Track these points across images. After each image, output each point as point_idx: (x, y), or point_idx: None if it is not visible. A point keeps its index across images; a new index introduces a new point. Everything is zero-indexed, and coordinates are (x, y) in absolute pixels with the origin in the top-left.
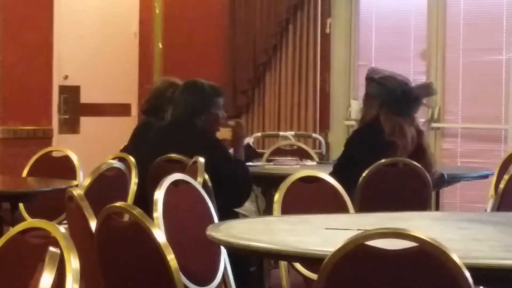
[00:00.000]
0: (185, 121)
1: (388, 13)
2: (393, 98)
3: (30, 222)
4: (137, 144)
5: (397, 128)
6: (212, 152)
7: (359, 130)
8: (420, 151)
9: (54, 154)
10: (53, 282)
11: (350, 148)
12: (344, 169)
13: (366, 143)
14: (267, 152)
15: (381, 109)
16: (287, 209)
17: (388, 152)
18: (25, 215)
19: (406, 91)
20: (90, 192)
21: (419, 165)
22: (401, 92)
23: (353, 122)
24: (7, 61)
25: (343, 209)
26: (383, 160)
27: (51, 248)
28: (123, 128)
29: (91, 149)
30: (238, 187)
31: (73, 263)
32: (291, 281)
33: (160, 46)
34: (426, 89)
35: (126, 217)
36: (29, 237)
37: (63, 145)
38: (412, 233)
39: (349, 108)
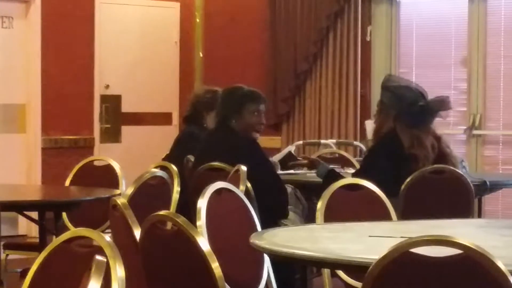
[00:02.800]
0: (221, 126)
1: (428, 20)
2: (409, 111)
3: (75, 230)
4: (179, 153)
5: (416, 141)
6: (250, 158)
7: (378, 144)
8: (442, 156)
9: (96, 163)
10: None
11: (370, 163)
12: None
13: (387, 157)
14: None
15: (397, 121)
16: (329, 217)
17: (410, 165)
18: (68, 224)
19: (422, 105)
20: (133, 200)
21: (462, 173)
22: (417, 106)
23: None
24: (49, 71)
25: (385, 216)
26: (427, 168)
27: (98, 257)
28: (164, 137)
29: (132, 158)
30: (274, 194)
31: (118, 272)
32: None
33: (201, 55)
34: (442, 103)
35: (169, 226)
36: (75, 246)
37: (105, 154)
38: (457, 240)
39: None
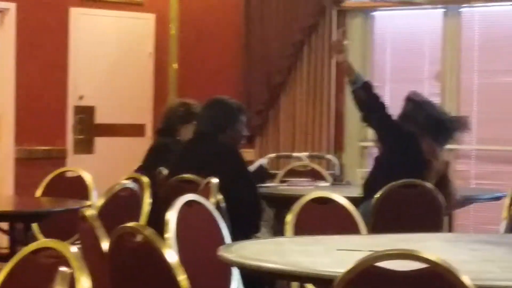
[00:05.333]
0: (209, 136)
1: (402, 34)
2: (431, 125)
3: (42, 242)
4: (151, 165)
5: (433, 151)
6: (234, 167)
7: (406, 132)
8: (444, 181)
9: (68, 174)
10: None
11: (402, 128)
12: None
13: (410, 145)
14: (280, 173)
15: (418, 128)
16: (299, 230)
17: (423, 171)
18: (39, 235)
19: (445, 121)
20: (103, 212)
21: (432, 187)
22: (440, 121)
23: (368, 143)
24: (22, 82)
25: (354, 230)
26: (397, 181)
27: (62, 268)
28: (137, 149)
29: (106, 170)
30: (252, 206)
31: (84, 283)
32: None
33: (175, 67)
34: (463, 124)
35: (139, 238)
36: (41, 257)
37: (78, 165)
38: (422, 255)
39: (363, 129)
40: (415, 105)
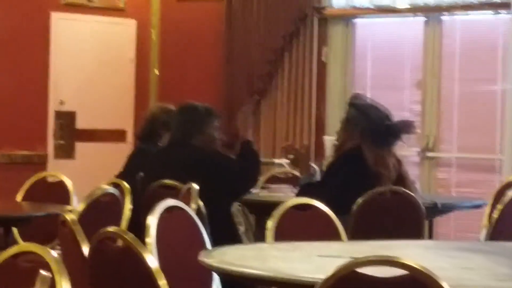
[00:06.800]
0: (181, 142)
1: (384, 42)
2: (375, 130)
3: (22, 246)
4: (132, 170)
5: (380, 160)
6: (213, 163)
7: (343, 157)
8: (400, 180)
9: (49, 179)
10: None
11: (334, 175)
12: (326, 195)
13: (352, 172)
14: (261, 179)
15: (363, 139)
16: (280, 236)
17: (374, 183)
18: (19, 239)
19: (388, 125)
20: (84, 217)
21: (413, 194)
22: (383, 126)
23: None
24: (2, 86)
25: (335, 236)
26: (378, 188)
27: (42, 272)
28: (118, 154)
29: (86, 175)
30: (251, 171)
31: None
32: None
33: (157, 73)
34: (407, 127)
35: (120, 243)
36: (21, 261)
37: (58, 171)
38: (402, 261)
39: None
40: (357, 110)
